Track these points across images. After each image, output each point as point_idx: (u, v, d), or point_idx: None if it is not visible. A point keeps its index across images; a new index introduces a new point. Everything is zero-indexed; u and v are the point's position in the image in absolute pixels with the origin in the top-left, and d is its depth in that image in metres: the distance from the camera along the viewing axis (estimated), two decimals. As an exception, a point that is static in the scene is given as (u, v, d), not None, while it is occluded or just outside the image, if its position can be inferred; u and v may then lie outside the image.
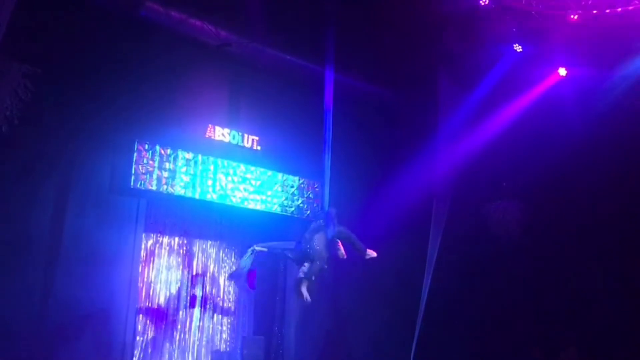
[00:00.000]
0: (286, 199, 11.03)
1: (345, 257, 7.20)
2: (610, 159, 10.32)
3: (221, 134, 10.58)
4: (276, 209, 10.89)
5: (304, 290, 6.79)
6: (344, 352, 11.19)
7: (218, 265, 11.37)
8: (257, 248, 7.55)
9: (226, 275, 11.38)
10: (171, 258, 10.80)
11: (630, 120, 10.17)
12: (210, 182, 10.16)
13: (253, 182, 10.68)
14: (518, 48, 10.97)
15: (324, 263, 6.96)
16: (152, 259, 10.55)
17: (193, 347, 10.77)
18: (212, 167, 10.24)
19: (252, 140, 10.91)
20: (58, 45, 8.77)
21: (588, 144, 10.43)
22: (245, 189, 10.53)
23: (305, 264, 6.87)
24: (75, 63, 8.98)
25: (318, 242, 6.96)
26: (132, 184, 9.28)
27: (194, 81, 10.17)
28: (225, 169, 10.39)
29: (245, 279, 7.93)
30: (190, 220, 10.93)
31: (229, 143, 10.64)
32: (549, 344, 9.63)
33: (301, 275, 6.86)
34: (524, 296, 11.04)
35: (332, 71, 8.14)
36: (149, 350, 10.29)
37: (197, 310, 10.91)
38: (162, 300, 10.59)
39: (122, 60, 9.38)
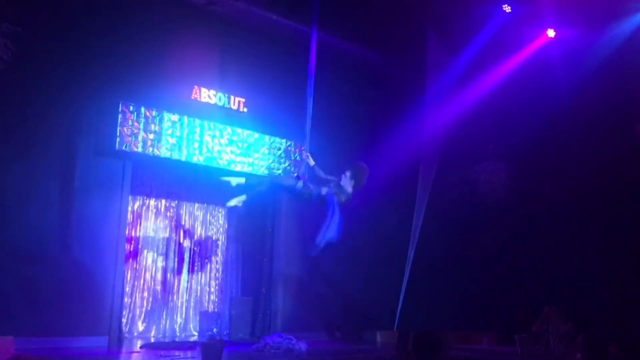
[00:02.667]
0: (273, 161, 10.99)
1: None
2: (597, 121, 10.35)
3: (207, 95, 10.46)
4: (263, 171, 10.86)
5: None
6: (331, 312, 11.34)
7: (205, 227, 11.40)
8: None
9: (214, 237, 11.43)
10: (158, 220, 10.82)
11: (617, 82, 10.16)
12: (196, 145, 10.08)
13: (240, 144, 10.61)
14: (507, 9, 10.88)
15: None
16: (139, 221, 10.56)
17: (181, 309, 10.87)
18: (198, 129, 10.14)
19: (239, 102, 10.81)
20: (40, 4, 8.56)
21: (575, 106, 10.43)
22: (231, 152, 10.47)
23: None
24: (58, 23, 8.78)
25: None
26: (117, 146, 9.17)
27: (179, 41, 9.97)
28: (212, 131, 10.30)
29: None
30: (176, 183, 10.90)
31: (215, 105, 10.54)
32: (533, 302, 9.81)
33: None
34: (509, 256, 11.18)
35: (316, 33, 8.02)
36: (137, 312, 10.37)
37: (184, 272, 10.98)
38: (149, 263, 10.63)
39: (106, 20, 9.18)
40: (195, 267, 11.15)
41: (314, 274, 11.28)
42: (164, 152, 9.70)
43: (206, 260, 11.30)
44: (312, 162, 7.26)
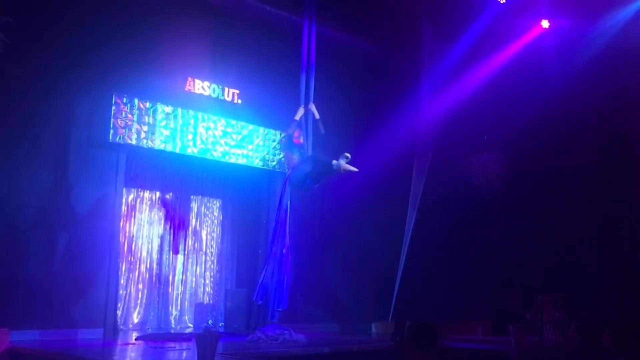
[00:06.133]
0: (268, 153, 10.96)
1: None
2: (591, 112, 10.37)
3: (201, 87, 10.41)
4: (258, 163, 10.84)
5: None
6: (326, 304, 11.35)
7: (200, 219, 11.37)
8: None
9: (208, 229, 11.41)
10: (152, 212, 10.78)
11: (611, 73, 10.18)
12: (190, 136, 10.04)
13: (234, 136, 10.58)
14: (502, -1, 10.89)
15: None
16: (133, 213, 10.52)
17: (176, 301, 10.86)
18: (192, 121, 10.10)
19: (233, 93, 10.76)
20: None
21: (569, 97, 10.45)
22: (226, 143, 10.44)
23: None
24: (50, 14, 8.70)
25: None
26: (110, 138, 9.13)
27: (172, 32, 9.90)
28: (206, 123, 10.26)
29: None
30: (171, 175, 10.87)
31: (209, 96, 10.49)
32: (527, 292, 9.86)
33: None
34: (504, 247, 11.23)
35: (314, 26, 8.02)
36: (132, 304, 10.36)
37: (179, 264, 10.96)
38: (144, 255, 10.60)
39: (99, 10, 9.11)
40: (190, 259, 11.13)
41: (309, 265, 11.27)
42: (158, 144, 9.66)
43: (201, 252, 11.28)
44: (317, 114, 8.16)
